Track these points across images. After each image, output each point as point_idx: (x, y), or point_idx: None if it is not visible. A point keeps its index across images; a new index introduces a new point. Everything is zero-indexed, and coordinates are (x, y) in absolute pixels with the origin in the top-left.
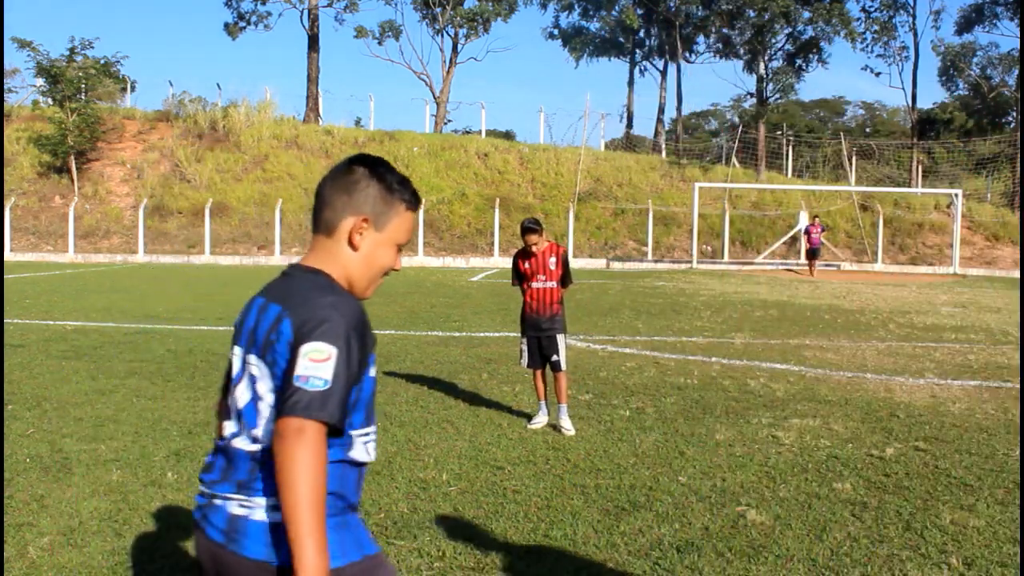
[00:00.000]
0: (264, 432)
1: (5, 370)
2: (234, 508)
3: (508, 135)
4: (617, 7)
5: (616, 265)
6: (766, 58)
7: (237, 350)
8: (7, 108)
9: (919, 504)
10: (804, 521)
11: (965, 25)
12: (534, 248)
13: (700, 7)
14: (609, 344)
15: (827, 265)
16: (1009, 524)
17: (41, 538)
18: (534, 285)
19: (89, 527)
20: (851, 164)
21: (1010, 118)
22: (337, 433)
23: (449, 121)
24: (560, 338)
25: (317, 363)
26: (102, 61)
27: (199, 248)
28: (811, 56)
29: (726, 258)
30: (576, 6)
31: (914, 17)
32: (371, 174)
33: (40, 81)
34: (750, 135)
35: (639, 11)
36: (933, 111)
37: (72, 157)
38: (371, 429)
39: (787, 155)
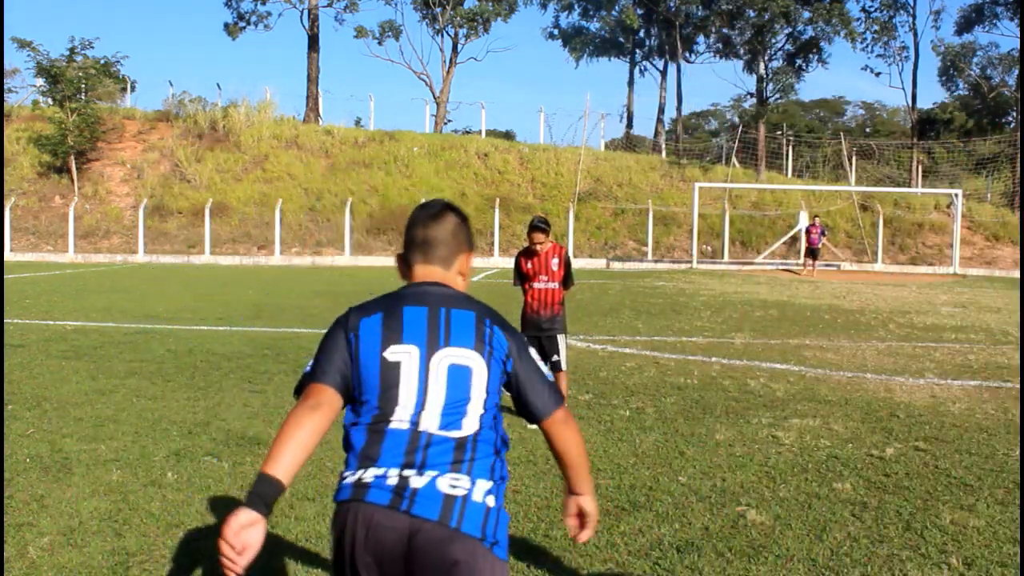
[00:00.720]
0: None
1: (5, 370)
2: (446, 486)
3: (508, 135)
4: (617, 7)
5: (616, 265)
6: (766, 58)
7: (409, 351)
8: (7, 108)
9: (919, 504)
10: (804, 521)
11: (965, 25)
12: (539, 247)
13: (700, 7)
14: (609, 344)
15: (827, 265)
16: (1009, 524)
17: (41, 538)
18: (536, 286)
19: (89, 527)
20: (851, 164)
21: (1010, 118)
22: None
23: (449, 121)
24: (561, 338)
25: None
26: (102, 61)
27: (199, 248)
28: (811, 56)
29: (726, 258)
30: (576, 6)
31: (914, 17)
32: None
33: (40, 81)
34: (750, 135)
35: (639, 11)
36: (933, 111)
37: (72, 157)
38: None
39: (787, 155)
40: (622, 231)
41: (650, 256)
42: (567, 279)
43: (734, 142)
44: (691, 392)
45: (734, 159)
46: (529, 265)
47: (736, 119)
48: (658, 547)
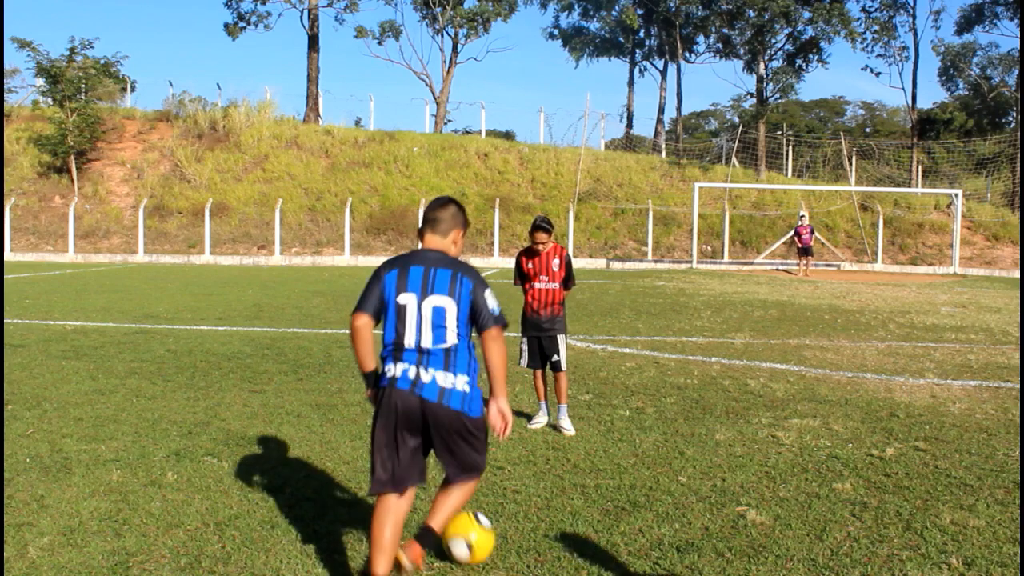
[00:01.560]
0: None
1: (5, 370)
2: (441, 381)
3: (508, 135)
4: (617, 7)
5: (616, 265)
6: (766, 58)
7: (410, 297)
8: (7, 108)
9: (919, 504)
10: (804, 521)
11: (965, 25)
12: (540, 247)
13: (700, 7)
14: (609, 344)
15: (827, 265)
16: (1009, 524)
17: (41, 538)
18: (536, 286)
19: (89, 527)
20: (851, 164)
21: (1010, 118)
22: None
23: (449, 121)
24: (561, 338)
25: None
26: (102, 61)
27: (199, 248)
28: (811, 56)
29: (726, 258)
30: (576, 6)
31: (914, 17)
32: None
33: (40, 81)
34: (750, 135)
35: (639, 11)
36: (933, 111)
37: (72, 157)
38: None
39: (787, 155)
40: (622, 231)
41: (650, 256)
42: (568, 280)
43: (734, 142)
44: (691, 392)
45: (734, 159)
46: (530, 265)
47: (736, 119)
48: (658, 547)
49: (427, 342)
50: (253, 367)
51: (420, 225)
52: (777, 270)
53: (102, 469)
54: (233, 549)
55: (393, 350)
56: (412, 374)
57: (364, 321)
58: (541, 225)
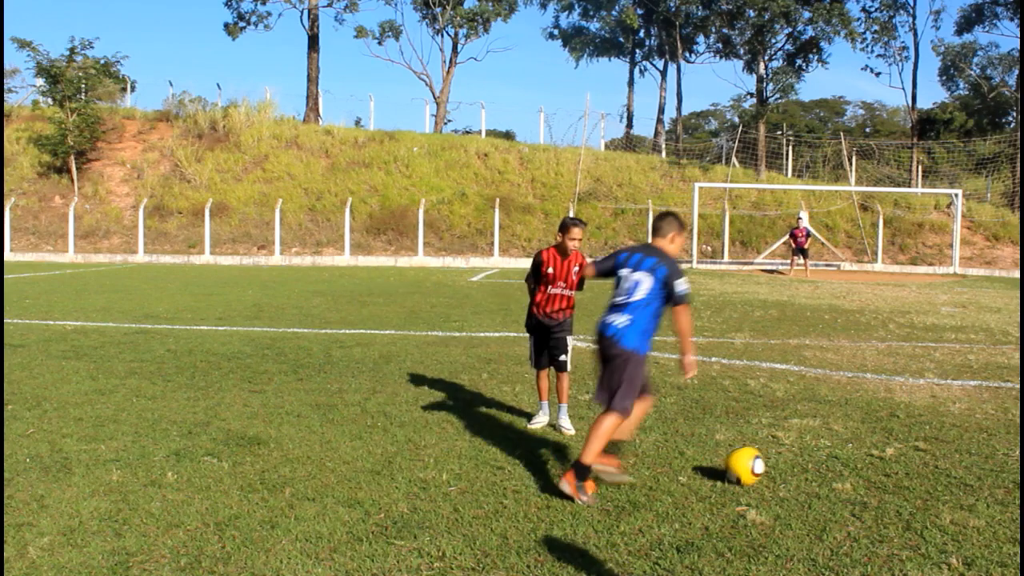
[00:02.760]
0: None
1: (5, 370)
2: (622, 323)
3: (508, 135)
4: (617, 7)
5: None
6: (766, 58)
7: (627, 271)
8: (7, 108)
9: (919, 504)
10: (804, 521)
11: (965, 25)
12: (574, 245)
13: (700, 7)
14: None
15: (827, 265)
16: (1009, 524)
17: (41, 538)
18: (551, 291)
19: (89, 527)
20: (851, 164)
21: (1010, 118)
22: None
23: (449, 121)
24: (569, 339)
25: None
26: (102, 61)
27: (199, 248)
28: (811, 56)
29: (726, 258)
30: (576, 6)
31: (914, 17)
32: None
33: (40, 81)
34: (750, 135)
35: (639, 11)
36: (933, 111)
37: (72, 157)
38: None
39: (787, 155)
40: (622, 231)
41: None
42: (580, 285)
43: (734, 142)
44: (691, 392)
45: (734, 159)
46: (551, 270)
47: (736, 119)
48: (658, 547)
49: (626, 300)
50: (253, 367)
51: (651, 233)
52: (762, 270)
53: (102, 469)
54: (233, 549)
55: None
56: (610, 320)
57: (600, 268)
58: (577, 221)
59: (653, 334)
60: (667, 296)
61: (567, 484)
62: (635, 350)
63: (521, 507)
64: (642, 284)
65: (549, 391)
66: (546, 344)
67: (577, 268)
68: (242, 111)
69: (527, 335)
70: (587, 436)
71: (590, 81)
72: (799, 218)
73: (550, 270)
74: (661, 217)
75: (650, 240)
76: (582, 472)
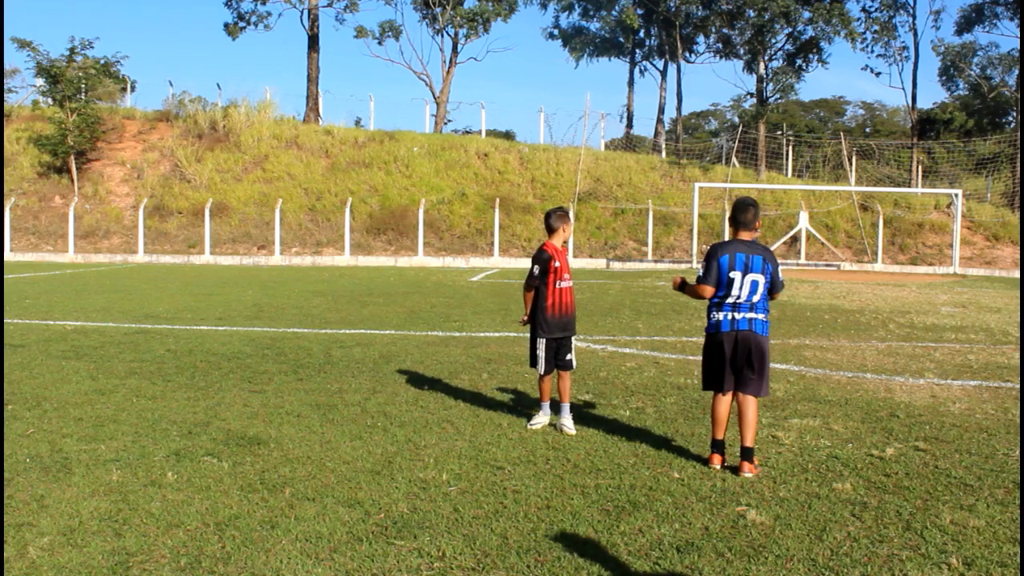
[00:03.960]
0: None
1: (5, 370)
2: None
3: (508, 135)
4: (617, 7)
5: (616, 265)
6: (766, 58)
7: (737, 274)
8: (7, 108)
9: (919, 504)
10: (804, 521)
11: (965, 25)
12: (566, 240)
13: (700, 7)
14: (609, 344)
15: (827, 265)
16: (1009, 524)
17: (41, 538)
18: (561, 285)
19: (89, 527)
20: (851, 164)
21: (1010, 118)
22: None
23: (449, 121)
24: (572, 338)
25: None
26: (102, 61)
27: (199, 248)
28: (811, 56)
29: None
30: (576, 6)
31: (914, 17)
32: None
33: (40, 81)
34: (750, 135)
35: (639, 11)
36: (933, 111)
37: (72, 157)
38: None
39: (787, 155)
40: (622, 231)
41: (650, 256)
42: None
43: (734, 142)
44: (691, 392)
45: (734, 159)
46: (557, 264)
47: (736, 119)
48: (658, 547)
49: (744, 298)
50: (253, 367)
51: (732, 225)
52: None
53: (102, 469)
54: (233, 549)
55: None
56: (731, 315)
57: (704, 290)
58: (564, 212)
59: None
60: (772, 286)
61: (749, 470)
62: (768, 339)
63: (521, 507)
64: (759, 284)
65: (551, 391)
66: (557, 346)
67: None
68: (242, 111)
69: (527, 336)
70: (745, 423)
71: (590, 81)
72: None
73: (557, 264)
74: (746, 208)
75: (737, 233)
76: (750, 454)
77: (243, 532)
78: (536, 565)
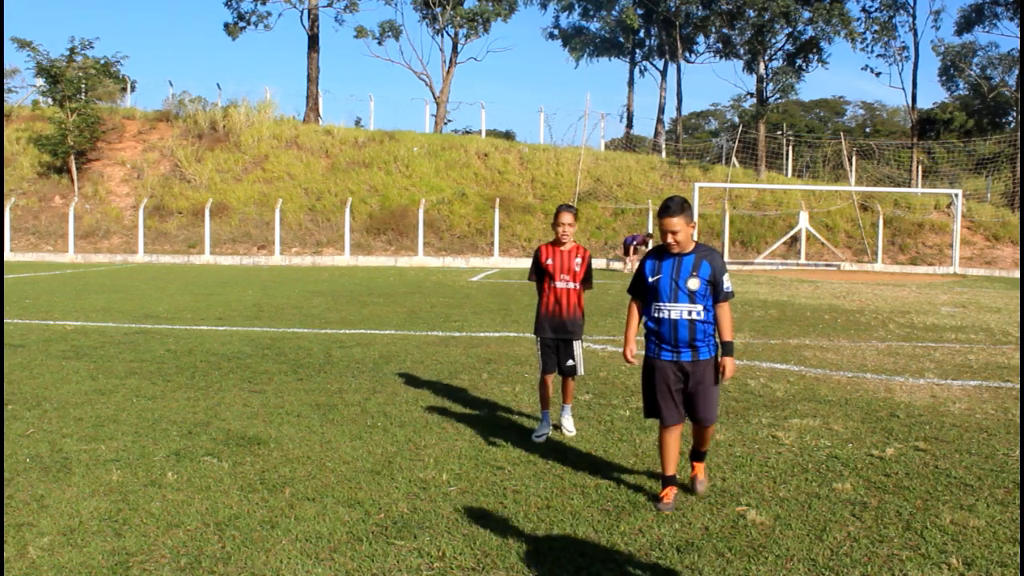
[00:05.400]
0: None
1: (5, 370)
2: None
3: (508, 135)
4: (617, 7)
5: (616, 265)
6: (766, 58)
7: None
8: (7, 108)
9: (919, 504)
10: (804, 521)
11: (965, 25)
12: (564, 231)
13: (700, 7)
14: (609, 344)
15: (827, 265)
16: (1009, 524)
17: (41, 538)
18: (557, 285)
19: (89, 527)
20: (851, 164)
21: (1010, 118)
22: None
23: (449, 121)
24: (577, 344)
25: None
26: (102, 61)
27: (199, 248)
28: (811, 56)
29: (726, 258)
30: (576, 6)
31: (914, 17)
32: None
33: (40, 81)
34: (750, 135)
35: (639, 11)
36: (933, 111)
37: (72, 157)
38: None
39: (787, 155)
40: (622, 231)
41: None
42: (587, 280)
43: (734, 142)
44: None
45: (734, 159)
46: (550, 261)
47: (736, 119)
48: (658, 547)
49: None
50: (253, 367)
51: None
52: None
53: (102, 469)
54: (233, 549)
55: None
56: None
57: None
58: (568, 206)
59: None
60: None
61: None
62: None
63: (521, 507)
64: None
65: (553, 395)
66: (555, 348)
67: (580, 260)
68: (242, 111)
69: (527, 336)
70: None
71: (590, 81)
72: (649, 235)
73: (549, 261)
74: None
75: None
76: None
77: (243, 532)
78: (536, 565)
